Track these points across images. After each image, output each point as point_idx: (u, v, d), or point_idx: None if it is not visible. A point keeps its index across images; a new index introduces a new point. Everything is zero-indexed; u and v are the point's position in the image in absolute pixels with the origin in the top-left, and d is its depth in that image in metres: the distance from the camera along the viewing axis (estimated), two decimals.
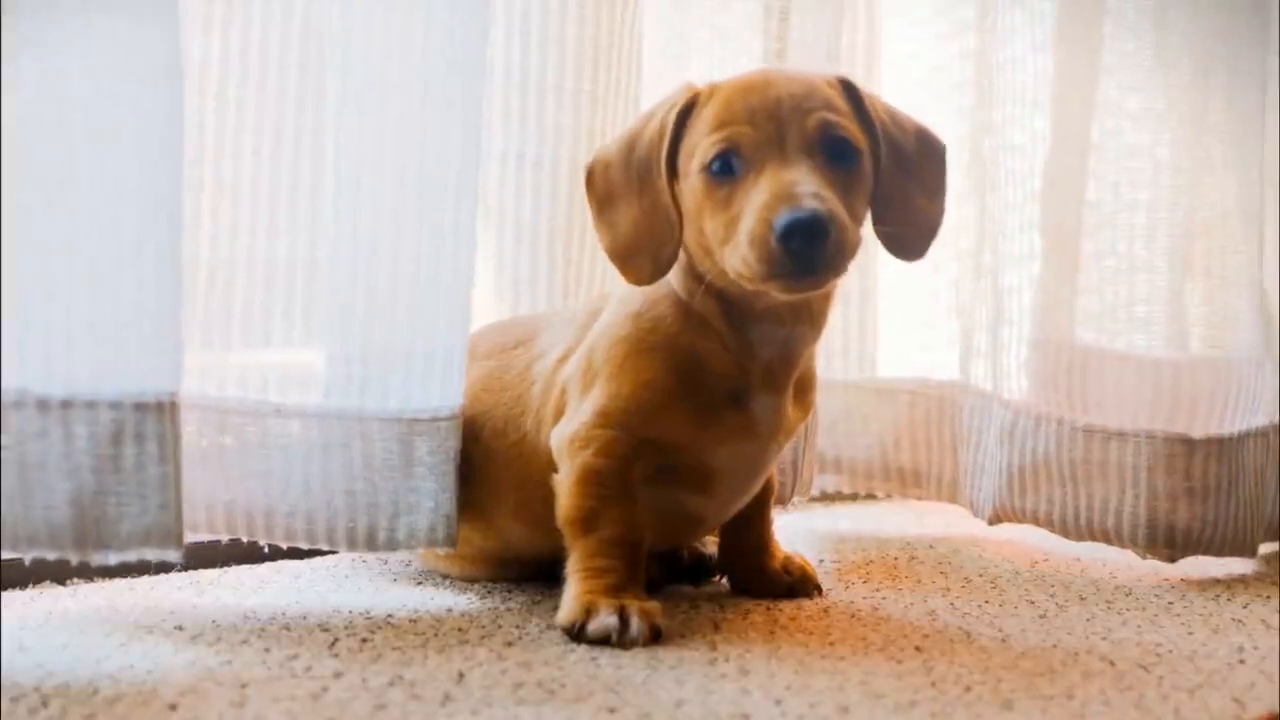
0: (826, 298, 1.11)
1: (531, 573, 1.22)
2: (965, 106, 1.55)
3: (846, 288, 1.57)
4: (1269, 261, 1.51)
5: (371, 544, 1.14)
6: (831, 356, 1.57)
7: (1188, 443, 1.37)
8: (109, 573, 1.20)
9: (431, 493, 1.14)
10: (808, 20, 1.44)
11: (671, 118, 1.07)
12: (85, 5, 0.96)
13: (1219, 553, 1.38)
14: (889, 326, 1.63)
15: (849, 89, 1.09)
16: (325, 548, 1.16)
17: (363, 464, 1.13)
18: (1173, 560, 1.38)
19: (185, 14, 1.11)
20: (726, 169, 1.03)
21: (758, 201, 1.00)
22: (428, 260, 1.13)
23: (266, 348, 1.15)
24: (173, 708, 0.85)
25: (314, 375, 1.15)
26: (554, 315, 1.24)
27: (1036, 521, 1.42)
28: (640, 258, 1.08)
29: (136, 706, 0.86)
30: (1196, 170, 1.42)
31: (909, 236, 1.10)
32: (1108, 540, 1.39)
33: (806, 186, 0.99)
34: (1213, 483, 1.37)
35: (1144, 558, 1.38)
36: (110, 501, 0.98)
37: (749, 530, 1.22)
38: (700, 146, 1.04)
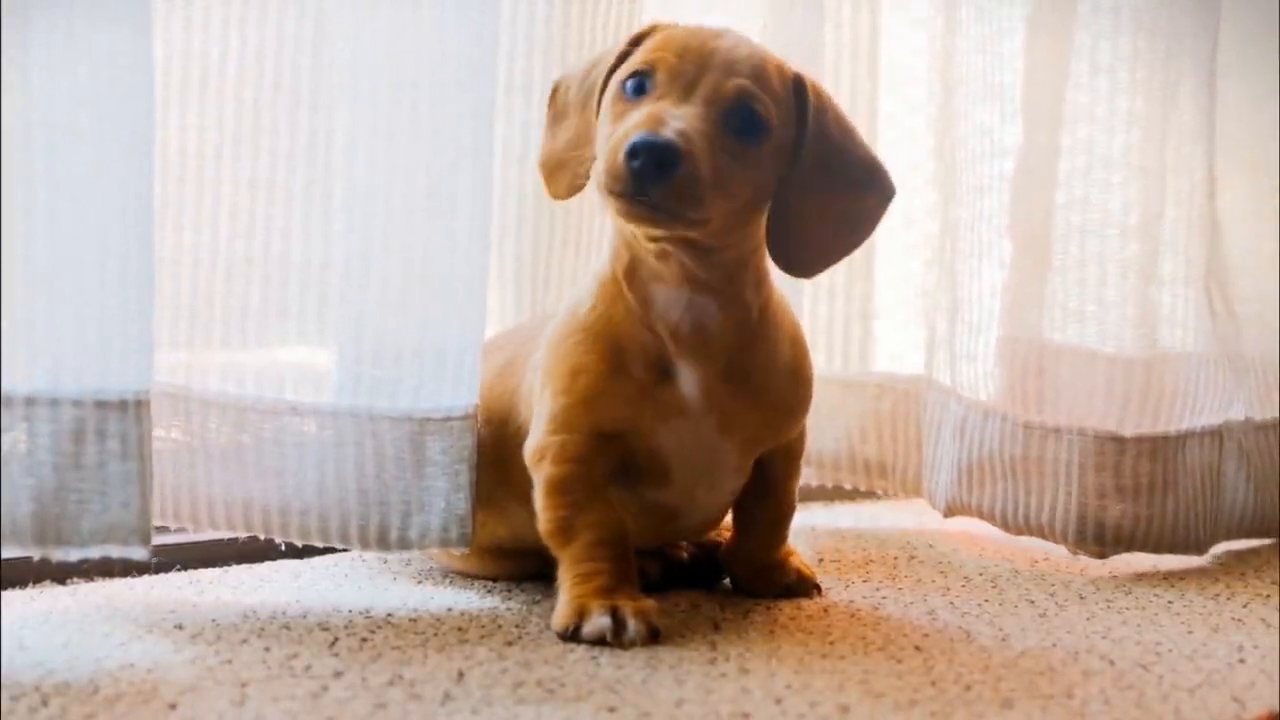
0: (728, 276, 1.08)
1: (543, 569, 1.21)
2: (957, 103, 1.54)
3: (835, 282, 1.57)
4: (1269, 262, 1.52)
5: (383, 543, 1.14)
6: (815, 351, 1.56)
7: (1118, 440, 1.37)
8: (109, 571, 1.20)
9: (444, 492, 1.14)
10: (787, 17, 1.43)
11: (623, 43, 1.09)
12: (52, 6, 0.96)
13: (1156, 550, 1.38)
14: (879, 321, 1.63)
15: (798, 86, 1.07)
16: (339, 546, 1.16)
17: (374, 463, 1.13)
18: (1103, 557, 1.38)
19: (202, 15, 1.12)
20: (638, 89, 1.04)
21: (631, 122, 1.01)
22: (440, 259, 1.13)
23: (282, 346, 1.16)
24: (173, 706, 0.86)
25: (329, 374, 1.15)
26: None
27: (981, 516, 1.43)
28: (562, 171, 1.11)
29: (137, 705, 0.86)
30: (1159, 171, 1.42)
31: (798, 246, 1.08)
32: (1043, 536, 1.40)
33: (676, 122, 0.99)
34: (1145, 481, 1.37)
35: (1075, 554, 1.39)
36: (71, 499, 0.97)
37: (757, 533, 1.21)
38: (626, 64, 1.06)
